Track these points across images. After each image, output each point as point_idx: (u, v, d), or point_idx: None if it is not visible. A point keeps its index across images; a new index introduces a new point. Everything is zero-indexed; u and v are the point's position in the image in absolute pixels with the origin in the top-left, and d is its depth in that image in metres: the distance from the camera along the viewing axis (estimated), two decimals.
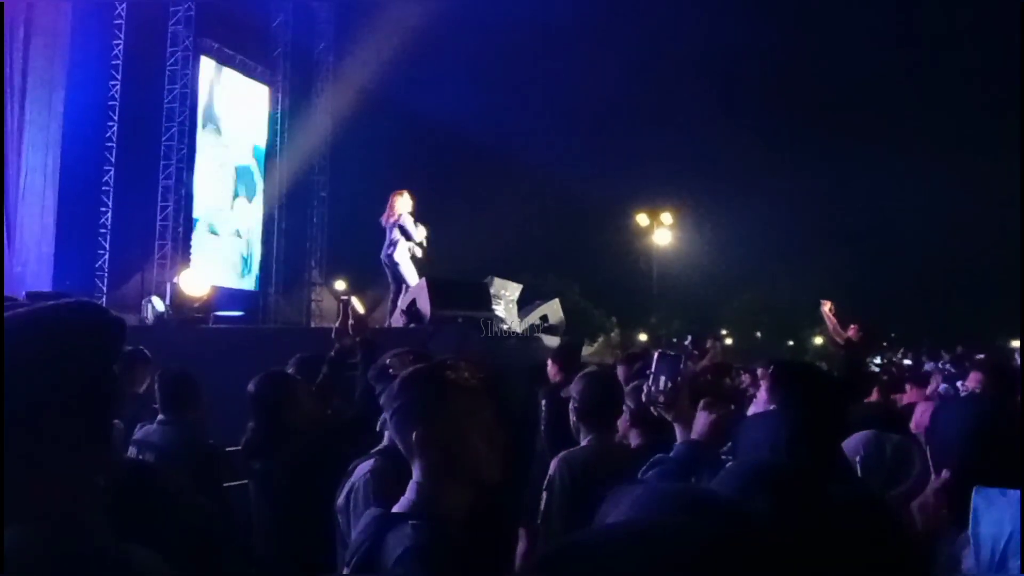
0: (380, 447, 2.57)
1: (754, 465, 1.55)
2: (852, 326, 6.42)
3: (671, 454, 2.62)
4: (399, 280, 9.46)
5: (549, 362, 5.71)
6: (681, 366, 2.80)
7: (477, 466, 1.82)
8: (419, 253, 9.60)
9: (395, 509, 1.78)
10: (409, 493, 1.79)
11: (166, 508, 1.89)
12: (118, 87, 16.40)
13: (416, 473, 1.81)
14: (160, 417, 4.17)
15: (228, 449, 4.11)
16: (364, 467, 2.43)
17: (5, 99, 15.65)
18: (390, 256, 9.51)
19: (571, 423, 3.43)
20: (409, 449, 1.81)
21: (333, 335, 3.84)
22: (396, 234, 9.49)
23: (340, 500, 2.50)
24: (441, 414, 1.81)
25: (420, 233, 9.56)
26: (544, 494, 3.21)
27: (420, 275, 9.42)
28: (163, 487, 2.01)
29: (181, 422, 4.11)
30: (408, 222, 9.51)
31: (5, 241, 15.41)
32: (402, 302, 8.76)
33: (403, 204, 9.60)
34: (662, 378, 2.67)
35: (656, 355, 2.73)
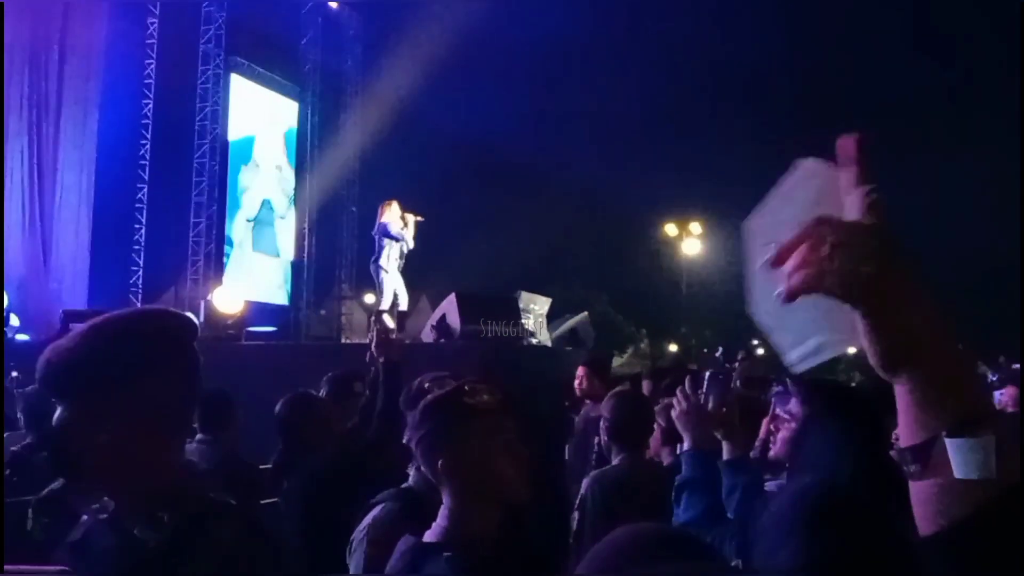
0: (399, 488, 2.53)
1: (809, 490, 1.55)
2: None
3: (688, 473, 2.62)
4: (380, 289, 9.72)
5: (579, 375, 5.66)
6: (732, 385, 2.82)
7: (505, 488, 1.84)
8: (409, 245, 9.82)
9: (428, 536, 1.80)
10: (440, 519, 1.82)
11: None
12: (151, 106, 16.64)
13: (446, 499, 1.84)
14: (199, 436, 4.23)
15: (261, 467, 4.15)
16: (369, 516, 2.38)
17: (40, 119, 15.96)
18: (374, 263, 9.77)
19: (602, 442, 3.44)
20: (436, 477, 1.84)
21: (368, 358, 3.84)
22: (382, 242, 9.72)
23: (354, 535, 2.45)
24: (464, 440, 1.83)
25: (406, 229, 9.77)
26: (576, 513, 3.22)
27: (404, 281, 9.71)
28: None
29: (218, 441, 4.16)
30: (392, 228, 9.69)
31: (42, 259, 15.68)
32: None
33: (390, 214, 9.79)
34: (711, 398, 2.66)
35: (707, 376, 2.72)
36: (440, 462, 1.82)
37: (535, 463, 1.97)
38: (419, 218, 9.95)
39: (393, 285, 9.72)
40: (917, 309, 0.75)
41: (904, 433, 0.78)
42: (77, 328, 1.37)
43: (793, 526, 1.37)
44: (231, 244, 18.23)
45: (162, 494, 1.35)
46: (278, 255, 19.84)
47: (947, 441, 0.73)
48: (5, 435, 3.92)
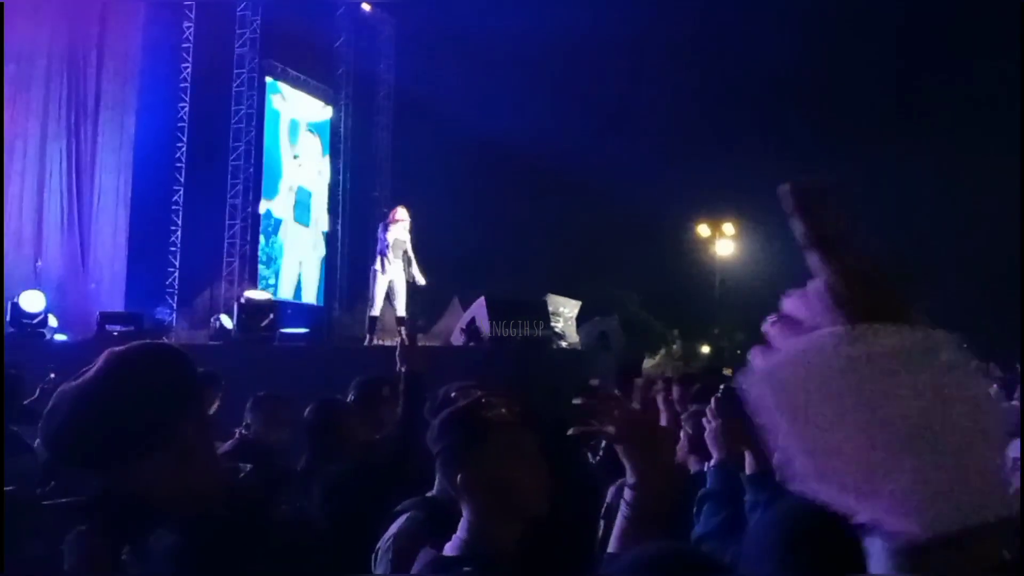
0: (423, 496, 2.51)
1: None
2: None
3: (712, 486, 2.61)
4: (371, 294, 9.87)
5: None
6: None
7: (524, 502, 1.83)
8: (405, 248, 9.91)
9: (448, 550, 1.80)
10: (461, 531, 1.81)
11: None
12: (186, 109, 16.85)
13: (466, 512, 1.83)
14: (238, 432, 4.27)
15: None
16: (394, 526, 2.38)
17: (79, 122, 16.24)
18: (372, 270, 9.94)
19: None
20: (455, 491, 1.84)
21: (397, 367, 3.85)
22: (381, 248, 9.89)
23: (380, 543, 2.46)
24: (482, 455, 1.82)
25: (391, 230, 9.88)
26: (602, 523, 3.20)
27: (408, 276, 9.78)
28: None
29: (256, 440, 4.19)
30: (384, 232, 9.84)
31: (80, 260, 15.95)
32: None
33: (393, 221, 9.94)
34: (733, 416, 2.63)
35: (723, 393, 2.70)
36: (459, 477, 1.81)
37: (562, 470, 1.95)
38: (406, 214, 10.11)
39: (379, 290, 9.86)
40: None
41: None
42: (67, 392, 1.34)
43: (772, 545, 1.35)
44: (266, 245, 18.39)
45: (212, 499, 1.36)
46: (311, 256, 19.99)
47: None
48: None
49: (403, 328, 3.93)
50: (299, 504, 3.82)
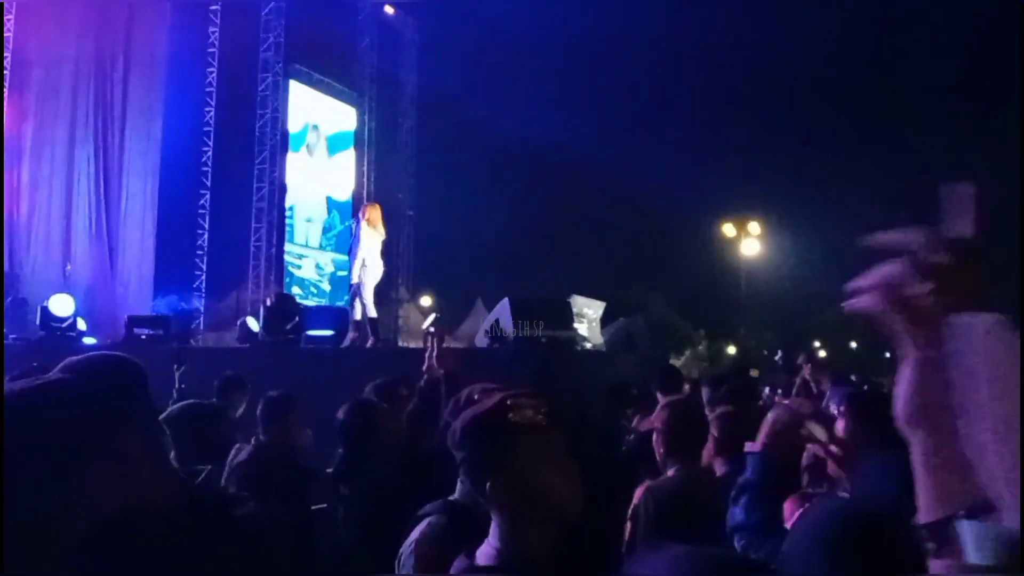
0: (446, 500, 2.47)
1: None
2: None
3: (754, 476, 2.55)
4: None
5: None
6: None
7: (558, 507, 1.74)
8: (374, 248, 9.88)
9: (480, 559, 1.73)
10: (492, 539, 1.74)
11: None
12: (212, 113, 16.96)
13: (496, 520, 1.75)
14: (254, 439, 4.27)
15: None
16: (416, 531, 2.35)
17: (106, 128, 16.43)
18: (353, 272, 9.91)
19: (656, 453, 3.38)
20: (485, 499, 1.75)
21: (424, 368, 3.85)
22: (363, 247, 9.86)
23: (402, 548, 2.40)
24: (512, 462, 1.71)
25: (380, 232, 9.87)
26: (628, 524, 3.18)
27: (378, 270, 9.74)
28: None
29: (273, 443, 4.19)
30: (360, 230, 9.81)
31: (108, 264, 16.13)
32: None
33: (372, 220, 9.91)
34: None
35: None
36: (488, 485, 1.72)
37: (589, 473, 1.90)
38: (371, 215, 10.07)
39: (361, 296, 9.86)
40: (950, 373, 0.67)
41: (920, 504, 0.71)
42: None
43: (815, 545, 1.32)
44: (290, 248, 18.48)
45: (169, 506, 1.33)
46: (336, 259, 20.07)
47: (962, 523, 0.66)
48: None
49: (435, 333, 3.90)
50: (330, 504, 3.85)
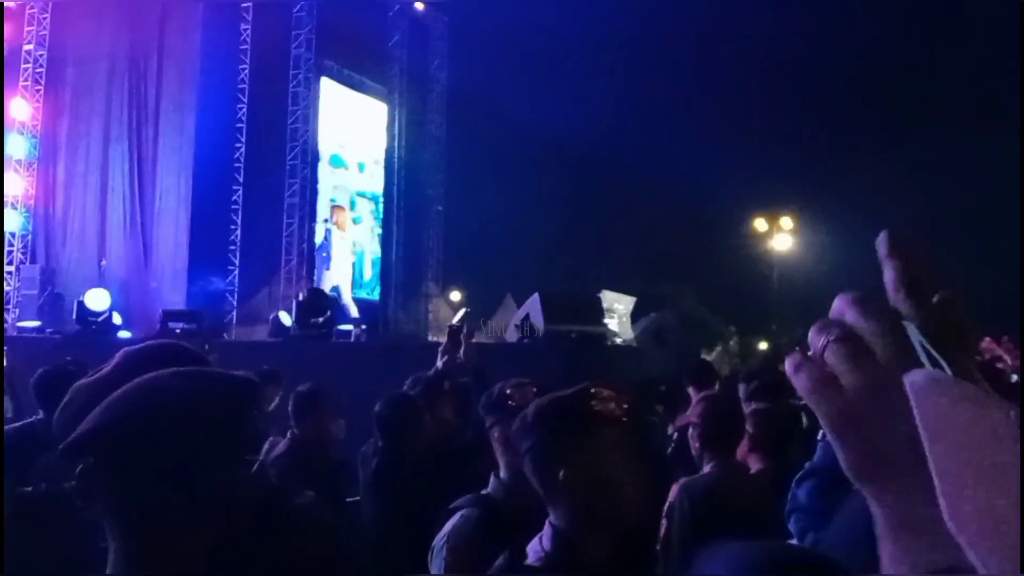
0: (478, 494, 2.42)
1: None
2: (987, 338, 5.89)
3: (828, 462, 2.50)
4: None
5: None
6: None
7: (624, 508, 1.65)
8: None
9: (531, 558, 1.64)
10: (546, 541, 1.64)
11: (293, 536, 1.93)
12: (244, 109, 17.08)
13: (555, 517, 1.65)
14: (289, 433, 4.29)
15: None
16: (449, 524, 2.30)
17: (140, 124, 16.63)
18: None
19: (692, 449, 3.35)
20: (551, 491, 1.64)
21: (439, 361, 3.85)
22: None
23: (435, 541, 2.36)
24: (590, 452, 1.62)
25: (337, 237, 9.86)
26: (664, 521, 3.15)
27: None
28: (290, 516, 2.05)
29: (307, 437, 4.21)
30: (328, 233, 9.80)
31: (143, 259, 16.31)
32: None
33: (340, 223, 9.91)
34: None
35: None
36: (561, 474, 1.61)
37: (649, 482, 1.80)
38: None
39: (340, 296, 9.88)
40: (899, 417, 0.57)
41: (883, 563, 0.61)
42: (82, 387, 1.32)
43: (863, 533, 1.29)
44: (322, 242, 18.58)
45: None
46: (367, 253, 20.16)
47: None
48: None
49: (458, 330, 3.86)
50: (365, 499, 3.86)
